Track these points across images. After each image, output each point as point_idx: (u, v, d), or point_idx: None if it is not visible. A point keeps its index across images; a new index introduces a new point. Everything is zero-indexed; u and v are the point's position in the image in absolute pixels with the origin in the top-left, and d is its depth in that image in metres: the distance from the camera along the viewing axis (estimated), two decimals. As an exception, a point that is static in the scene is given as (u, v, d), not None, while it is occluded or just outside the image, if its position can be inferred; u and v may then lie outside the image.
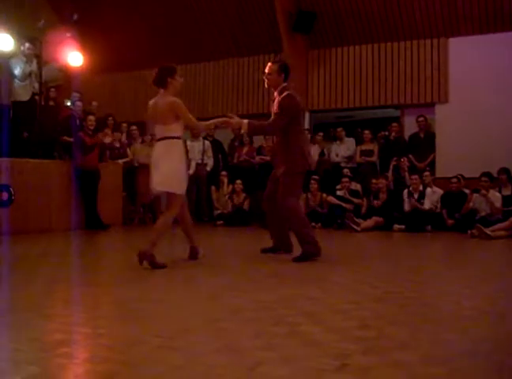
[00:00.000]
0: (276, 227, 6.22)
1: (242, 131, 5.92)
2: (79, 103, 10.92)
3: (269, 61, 12.58)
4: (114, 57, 13.82)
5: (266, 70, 5.99)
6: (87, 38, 12.52)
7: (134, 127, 12.27)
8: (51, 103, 10.96)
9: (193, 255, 5.76)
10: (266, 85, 6.09)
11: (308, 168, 6.18)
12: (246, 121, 5.76)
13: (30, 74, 10.16)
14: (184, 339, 2.85)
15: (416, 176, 10.15)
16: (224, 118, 5.95)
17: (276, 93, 6.00)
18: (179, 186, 5.42)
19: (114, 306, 3.78)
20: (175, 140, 5.43)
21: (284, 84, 5.95)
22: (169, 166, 5.36)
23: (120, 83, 14.50)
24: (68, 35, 11.13)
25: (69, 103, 11.30)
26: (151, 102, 5.54)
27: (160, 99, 5.44)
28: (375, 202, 10.27)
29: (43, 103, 10.50)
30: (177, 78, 5.48)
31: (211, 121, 5.95)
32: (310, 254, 5.72)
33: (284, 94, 5.88)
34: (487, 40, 10.94)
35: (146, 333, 2.94)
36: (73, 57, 11.21)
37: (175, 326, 3.09)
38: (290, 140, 5.93)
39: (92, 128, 10.03)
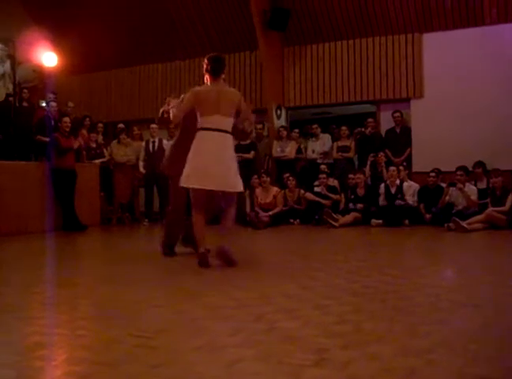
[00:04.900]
0: None
1: None
2: (54, 104, 10.84)
3: (245, 58, 12.71)
4: (89, 57, 13.73)
5: None
6: (61, 38, 12.44)
7: (122, 125, 12.13)
8: (25, 103, 10.87)
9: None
10: None
11: None
12: None
13: (3, 75, 10.07)
14: (163, 338, 2.85)
15: (394, 168, 10.20)
16: None
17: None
18: (241, 184, 5.32)
19: (92, 307, 3.76)
20: (231, 135, 5.27)
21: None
22: (234, 165, 5.25)
23: (95, 83, 14.40)
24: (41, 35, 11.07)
25: (44, 104, 11.21)
26: (205, 88, 5.34)
27: (222, 88, 5.29)
28: (358, 205, 10.22)
29: (17, 104, 10.40)
30: None
31: None
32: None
33: None
34: (460, 35, 11.02)
35: (124, 333, 2.93)
36: (47, 57, 11.14)
37: (153, 325, 3.08)
38: None
39: (67, 129, 9.96)
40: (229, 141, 5.24)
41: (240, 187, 5.27)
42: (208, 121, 5.18)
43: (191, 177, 5.14)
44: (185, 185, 5.23)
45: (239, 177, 5.26)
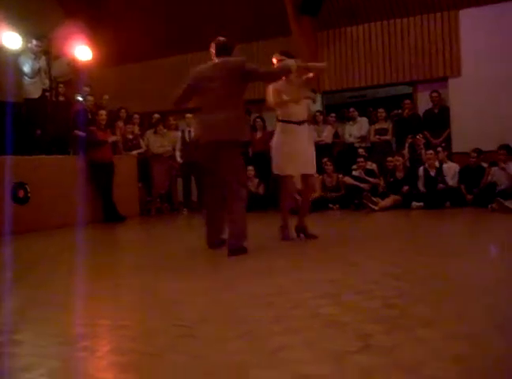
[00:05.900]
0: None
1: None
2: (90, 98, 10.93)
3: (279, 44, 12.58)
4: (123, 49, 13.78)
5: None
6: (94, 31, 12.51)
7: (157, 115, 12.22)
8: (62, 98, 10.95)
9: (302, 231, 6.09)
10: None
11: None
12: None
13: (39, 71, 10.15)
14: (204, 328, 2.83)
15: (431, 151, 10.01)
16: None
17: None
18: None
19: (133, 297, 3.77)
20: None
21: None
22: (312, 151, 5.90)
23: (129, 74, 14.44)
24: (75, 29, 11.12)
25: (80, 98, 11.29)
26: (283, 83, 5.83)
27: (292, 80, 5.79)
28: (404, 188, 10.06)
29: (53, 99, 10.49)
30: None
31: None
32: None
33: None
34: (497, 10, 10.72)
35: (167, 323, 2.93)
36: (82, 51, 11.19)
37: (194, 315, 3.08)
38: None
39: (103, 122, 10.05)
40: (309, 130, 6.22)
41: (314, 171, 6.07)
42: (292, 113, 5.83)
43: None
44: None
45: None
